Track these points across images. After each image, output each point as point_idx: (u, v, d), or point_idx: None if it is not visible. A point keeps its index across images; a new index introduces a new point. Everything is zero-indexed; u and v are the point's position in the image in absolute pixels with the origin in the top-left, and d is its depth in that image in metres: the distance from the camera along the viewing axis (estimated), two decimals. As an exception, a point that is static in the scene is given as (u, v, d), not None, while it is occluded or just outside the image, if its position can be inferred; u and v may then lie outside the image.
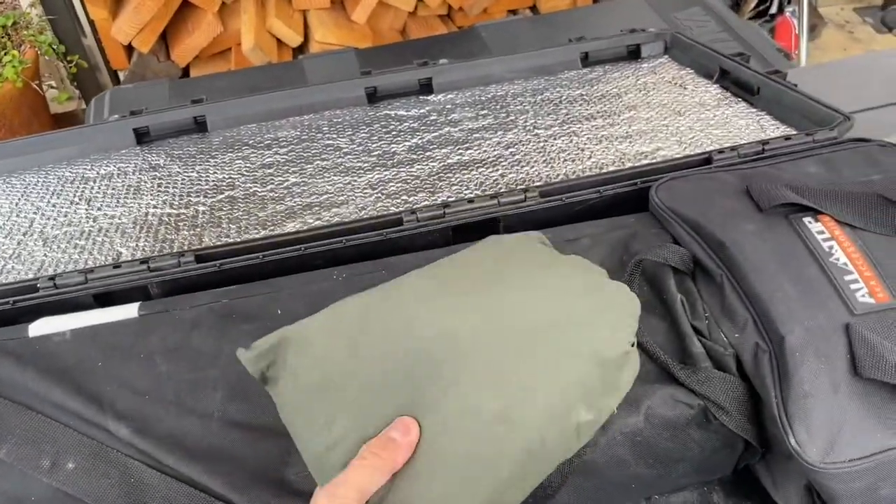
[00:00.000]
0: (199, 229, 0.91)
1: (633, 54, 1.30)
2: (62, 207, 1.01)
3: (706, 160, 0.84)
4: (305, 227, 0.87)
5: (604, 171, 0.92)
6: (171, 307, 0.70)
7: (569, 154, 0.99)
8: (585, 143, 1.01)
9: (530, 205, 0.80)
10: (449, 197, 0.92)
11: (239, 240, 0.81)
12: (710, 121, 1.03)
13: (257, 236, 0.87)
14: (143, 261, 0.75)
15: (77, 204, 1.02)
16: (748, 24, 1.54)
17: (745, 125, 1.00)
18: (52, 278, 0.75)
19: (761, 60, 1.40)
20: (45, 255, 0.90)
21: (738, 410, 0.63)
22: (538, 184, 0.86)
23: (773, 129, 0.98)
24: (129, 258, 0.85)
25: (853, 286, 0.63)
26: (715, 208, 0.71)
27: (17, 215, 1.00)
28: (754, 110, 1.04)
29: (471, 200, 0.80)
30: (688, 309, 0.68)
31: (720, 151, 0.84)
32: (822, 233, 0.67)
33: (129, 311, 0.69)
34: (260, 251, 0.76)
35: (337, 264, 0.76)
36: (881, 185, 0.71)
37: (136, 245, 0.89)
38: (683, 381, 0.64)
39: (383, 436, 0.49)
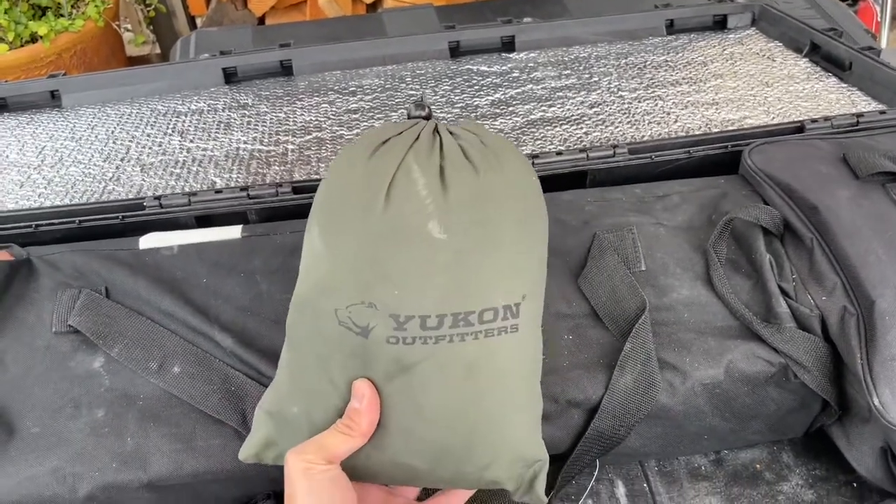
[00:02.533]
0: (289, 165, 0.94)
1: (720, 24, 1.28)
2: (156, 138, 1.05)
3: (799, 128, 0.84)
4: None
5: (693, 133, 0.92)
6: (271, 231, 0.73)
7: (654, 117, 0.99)
8: (671, 108, 1.01)
9: (619, 160, 0.81)
10: (533, 150, 0.93)
11: (318, 173, 0.84)
12: (799, 93, 1.02)
13: (315, 173, 0.89)
14: (244, 188, 0.79)
15: (170, 135, 1.05)
16: (836, 4, 1.50)
17: (835, 99, 0.99)
18: (157, 198, 0.78)
19: (849, 40, 1.37)
20: (142, 179, 0.94)
21: (819, 370, 0.64)
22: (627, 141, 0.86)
23: (864, 104, 0.97)
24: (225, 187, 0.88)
25: (948, 256, 0.63)
26: (809, 173, 0.71)
27: (114, 142, 1.05)
28: (845, 85, 1.03)
29: (559, 153, 0.82)
30: (776, 270, 0.69)
31: (813, 121, 0.84)
32: (919, 202, 0.67)
33: (233, 232, 0.73)
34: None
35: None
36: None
37: (230, 176, 0.93)
38: (766, 338, 0.65)
39: (349, 406, 0.50)
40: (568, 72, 1.15)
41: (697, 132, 0.93)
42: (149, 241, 0.72)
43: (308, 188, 0.79)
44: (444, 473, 0.52)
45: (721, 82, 1.07)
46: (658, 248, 0.71)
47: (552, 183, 0.81)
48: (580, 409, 0.64)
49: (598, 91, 1.08)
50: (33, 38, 2.13)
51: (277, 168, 0.94)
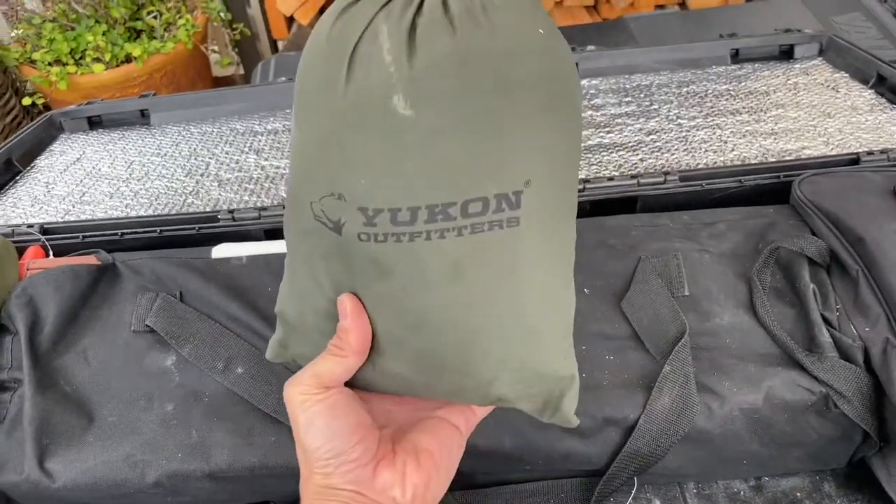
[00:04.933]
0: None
1: (786, 54, 1.28)
2: (234, 155, 1.12)
3: (854, 160, 0.84)
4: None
5: (747, 162, 0.93)
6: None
7: (711, 145, 1.01)
8: (729, 137, 1.02)
9: (669, 187, 0.83)
10: (588, 175, 0.96)
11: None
12: (861, 125, 1.02)
13: None
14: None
15: (247, 153, 1.13)
16: (912, 33, 1.48)
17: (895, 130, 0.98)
18: (231, 212, 0.85)
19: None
20: (219, 194, 1.01)
21: (859, 401, 0.64)
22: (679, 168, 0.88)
23: (930, 137, 0.96)
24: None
25: None
26: (857, 205, 0.72)
27: (196, 158, 1.12)
28: (913, 117, 1.02)
29: (611, 178, 0.84)
30: (819, 299, 0.69)
31: (869, 153, 0.84)
32: (970, 236, 0.67)
33: (297, 245, 0.78)
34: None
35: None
36: None
37: (298, 193, 0.98)
38: (808, 367, 0.66)
39: (339, 324, 0.46)
40: (628, 99, 1.18)
41: (753, 161, 0.94)
42: (220, 251, 0.78)
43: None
44: (443, 387, 0.47)
45: (782, 112, 1.08)
46: (702, 274, 0.73)
47: (603, 208, 0.84)
48: (618, 428, 0.66)
49: (657, 118, 1.10)
50: (128, 59, 2.28)
51: (343, 186, 0.99)
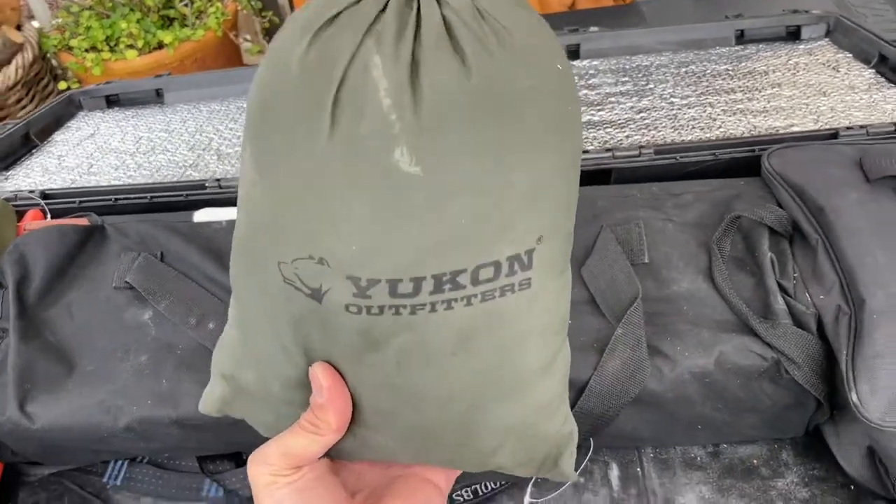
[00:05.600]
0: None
1: (793, 35, 1.27)
2: (237, 131, 1.16)
3: (832, 135, 0.84)
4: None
5: (722, 137, 0.93)
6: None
7: (699, 122, 1.01)
8: (718, 114, 1.02)
9: (643, 160, 0.84)
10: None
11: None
12: (855, 103, 1.00)
13: None
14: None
15: (249, 130, 1.16)
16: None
17: (891, 109, 0.97)
18: (217, 180, 0.88)
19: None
20: (217, 166, 1.05)
21: (809, 367, 0.65)
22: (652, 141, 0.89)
23: (923, 115, 0.95)
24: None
25: (950, 260, 0.62)
26: (822, 176, 0.72)
27: (201, 134, 1.17)
28: (910, 96, 1.00)
29: (585, 151, 0.85)
30: (777, 268, 0.70)
31: (848, 128, 0.84)
32: (929, 206, 0.66)
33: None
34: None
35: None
36: None
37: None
38: (760, 333, 0.66)
39: (312, 398, 0.41)
40: (626, 79, 1.18)
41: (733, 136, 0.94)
42: (201, 215, 0.82)
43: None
44: (435, 457, 0.44)
45: (777, 91, 1.07)
46: (664, 242, 0.74)
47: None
48: (571, 389, 0.68)
49: (651, 97, 1.10)
50: (160, 46, 2.35)
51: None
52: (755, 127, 0.98)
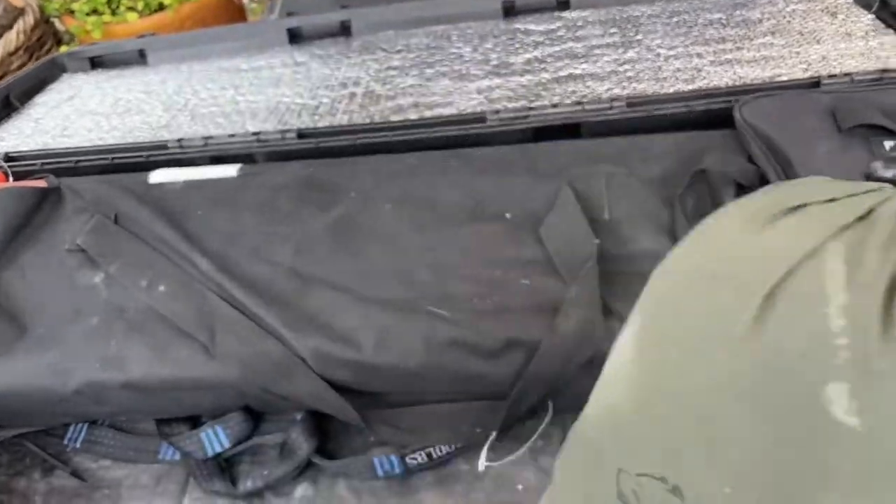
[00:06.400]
0: (316, 117, 1.00)
1: (795, -19, 1.21)
2: (214, 91, 1.14)
3: (815, 84, 0.79)
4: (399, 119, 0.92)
5: (694, 89, 0.89)
6: (263, 171, 0.79)
7: (684, 74, 0.96)
8: (705, 65, 0.98)
9: (615, 113, 0.81)
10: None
11: (334, 126, 0.88)
12: (849, 51, 0.95)
13: (356, 122, 0.94)
14: (255, 133, 0.85)
15: (227, 90, 1.14)
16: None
17: (885, 56, 0.92)
18: (179, 140, 0.87)
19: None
20: (189, 127, 1.03)
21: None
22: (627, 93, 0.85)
23: (919, 61, 0.90)
24: (252, 134, 0.95)
25: (921, 214, 0.59)
26: (793, 126, 0.68)
27: (178, 95, 1.15)
28: (908, 41, 0.95)
29: (554, 105, 0.82)
30: (742, 223, 0.66)
31: (831, 76, 0.79)
32: (902, 156, 0.62)
33: (230, 170, 0.79)
34: (354, 133, 0.83)
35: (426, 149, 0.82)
36: None
37: (262, 126, 0.99)
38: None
39: None
40: (614, 30, 1.13)
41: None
42: (157, 176, 0.80)
43: (313, 134, 0.84)
44: None
45: (769, 40, 1.02)
46: (627, 198, 0.71)
47: (546, 135, 0.82)
48: (523, 350, 0.66)
49: (637, 49, 1.06)
50: (161, 7, 2.33)
51: (306, 118, 1.00)
52: (741, 78, 0.93)
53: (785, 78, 0.91)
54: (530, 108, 0.82)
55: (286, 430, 0.71)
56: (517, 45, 1.13)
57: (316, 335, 0.67)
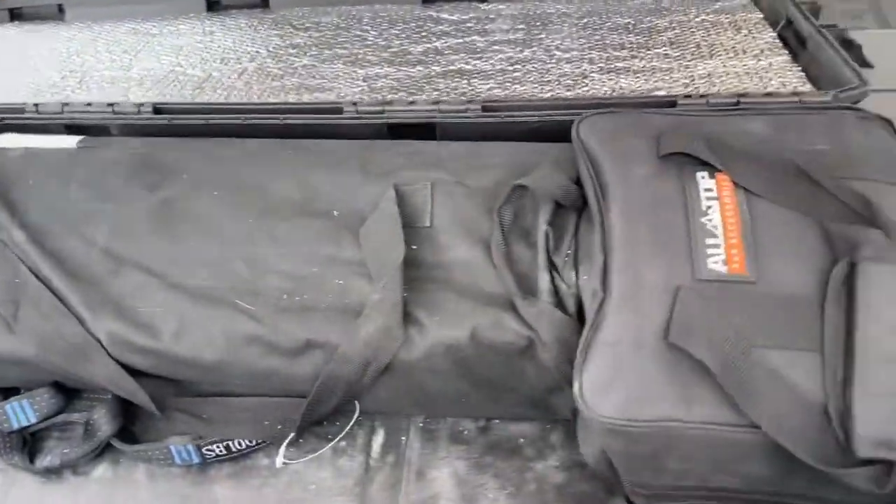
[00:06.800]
0: (197, 90, 0.98)
1: (721, -10, 1.18)
2: (115, 55, 1.12)
3: (671, 103, 0.78)
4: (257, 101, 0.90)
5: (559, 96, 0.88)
6: (103, 145, 0.78)
7: (569, 79, 0.95)
8: (593, 72, 0.96)
9: (470, 116, 0.79)
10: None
11: (195, 101, 0.87)
12: (738, 68, 0.94)
13: (216, 100, 0.92)
14: (111, 104, 0.84)
15: (128, 54, 1.12)
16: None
17: (769, 78, 0.90)
18: (36, 105, 0.85)
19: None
20: (72, 91, 1.01)
21: (559, 349, 0.61)
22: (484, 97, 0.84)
23: (799, 85, 0.88)
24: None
25: (710, 251, 0.58)
26: (619, 148, 0.66)
27: (78, 56, 1.13)
28: (795, 65, 0.93)
29: (411, 102, 0.81)
30: (552, 243, 0.66)
31: (687, 96, 0.78)
32: (709, 190, 0.61)
33: (71, 141, 0.78)
34: (208, 113, 0.82)
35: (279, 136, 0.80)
36: (812, 156, 0.63)
37: (143, 95, 0.98)
38: (520, 310, 0.63)
39: None
40: (521, 26, 1.11)
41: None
42: (2, 140, 0.79)
43: (169, 110, 0.83)
44: None
45: (665, 50, 1.00)
46: (450, 206, 0.70)
47: (400, 133, 0.81)
48: (323, 351, 0.65)
49: (534, 48, 1.04)
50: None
51: (189, 91, 0.98)
52: (621, 88, 0.92)
53: (662, 92, 0.90)
54: (386, 104, 0.80)
55: (91, 410, 0.71)
56: (423, 34, 1.11)
57: (115, 319, 0.66)
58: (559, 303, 0.64)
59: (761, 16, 1.08)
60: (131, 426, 0.72)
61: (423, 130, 0.81)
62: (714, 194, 0.61)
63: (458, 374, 0.65)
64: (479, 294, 0.65)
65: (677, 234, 0.59)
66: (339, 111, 0.81)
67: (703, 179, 0.62)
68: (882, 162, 0.63)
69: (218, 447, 0.68)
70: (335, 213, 0.71)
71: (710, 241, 0.58)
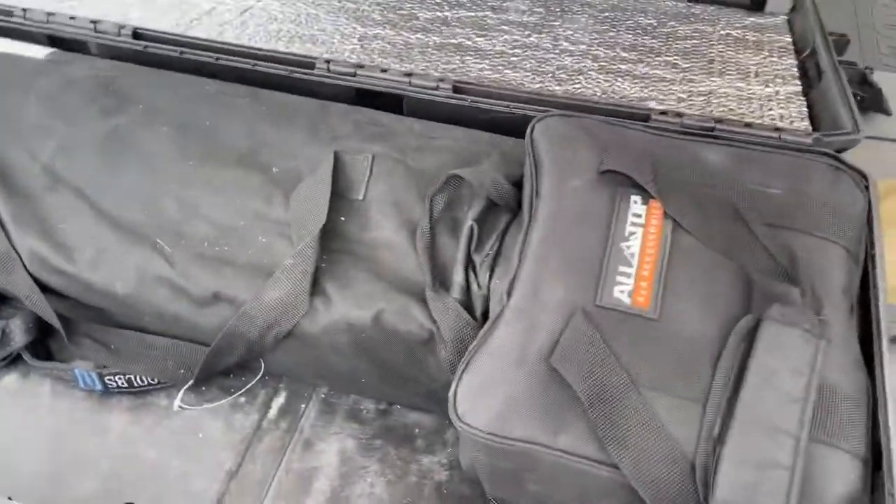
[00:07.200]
0: (195, 21, 0.97)
1: (757, 5, 1.13)
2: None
3: (644, 117, 0.74)
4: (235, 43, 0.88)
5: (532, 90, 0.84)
6: (70, 61, 0.78)
7: (564, 73, 0.91)
8: (588, 70, 0.93)
9: (439, 95, 0.77)
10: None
11: (173, 32, 0.85)
12: (742, 91, 0.89)
13: (210, 34, 0.91)
14: (94, 21, 0.84)
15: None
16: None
17: (770, 107, 0.86)
18: (24, 10, 0.85)
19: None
20: (79, 1, 1.01)
21: (455, 347, 0.60)
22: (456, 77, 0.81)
23: (798, 121, 0.84)
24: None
25: (619, 279, 0.56)
26: (564, 155, 0.64)
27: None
28: (802, 99, 0.88)
29: (384, 70, 0.79)
30: (475, 240, 0.64)
31: (662, 112, 0.74)
32: (637, 216, 0.59)
33: (40, 52, 0.79)
34: (183, 46, 0.81)
35: (249, 84, 0.79)
36: (761, 198, 0.60)
37: (140, 17, 0.96)
38: (428, 302, 0.62)
39: None
40: (540, 9, 1.08)
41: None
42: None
43: (147, 37, 0.83)
44: None
45: (675, 59, 0.96)
46: (388, 184, 0.68)
47: (369, 101, 0.79)
48: (230, 306, 0.65)
49: (543, 35, 1.00)
50: None
51: (186, 21, 0.97)
52: (613, 92, 0.88)
53: (653, 104, 0.86)
54: (359, 67, 0.78)
55: (11, 319, 0.72)
56: (440, 2, 1.08)
57: (38, 237, 0.67)
58: (468, 302, 0.62)
59: (790, 40, 1.03)
60: (49, 342, 0.73)
61: (391, 102, 0.79)
62: (641, 221, 0.58)
63: (358, 353, 0.64)
64: (394, 278, 0.64)
65: (591, 256, 0.57)
66: (311, 66, 0.79)
67: (635, 204, 0.59)
68: (830, 217, 0.59)
69: (120, 379, 0.69)
70: (275, 169, 0.70)
71: (622, 268, 0.56)
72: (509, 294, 0.57)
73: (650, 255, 0.56)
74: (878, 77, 1.09)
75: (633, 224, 0.58)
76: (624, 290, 0.55)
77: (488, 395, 0.53)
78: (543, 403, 0.52)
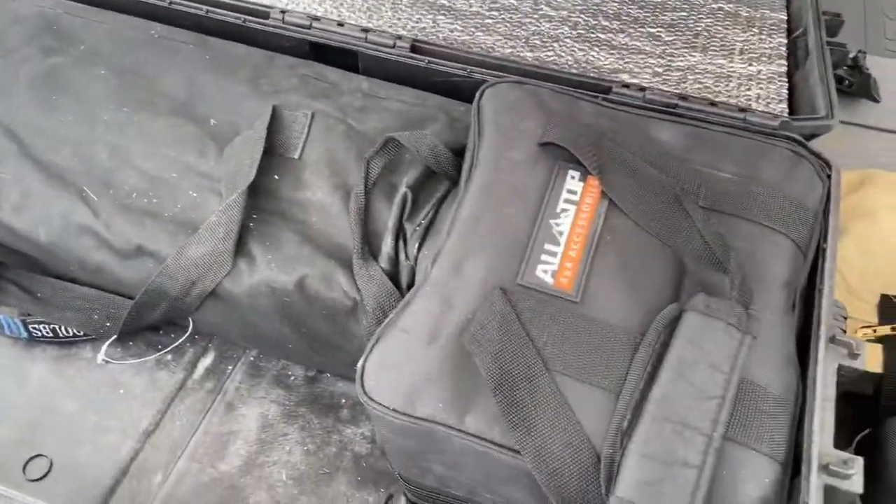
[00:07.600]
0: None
1: (756, -22, 1.07)
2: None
3: (605, 89, 0.71)
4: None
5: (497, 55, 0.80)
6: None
7: (536, 40, 0.87)
8: (565, 37, 0.88)
9: (395, 54, 0.74)
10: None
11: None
12: (723, 69, 0.85)
13: None
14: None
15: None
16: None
17: (748, 86, 0.82)
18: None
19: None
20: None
21: (375, 317, 0.58)
22: (411, 36, 0.77)
23: (772, 103, 0.79)
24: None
25: (545, 257, 0.53)
26: (508, 125, 0.60)
27: None
28: (784, 80, 0.84)
29: (341, 24, 0.75)
30: (408, 208, 0.61)
31: (625, 85, 0.71)
32: (572, 192, 0.55)
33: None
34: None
35: (202, 32, 0.76)
36: (709, 182, 0.56)
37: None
38: (354, 269, 0.59)
39: None
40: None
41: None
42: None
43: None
44: None
45: (658, 31, 0.91)
46: (325, 143, 0.65)
47: (323, 56, 0.76)
48: (154, 261, 0.63)
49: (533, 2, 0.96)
50: None
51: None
52: (587, 62, 0.84)
53: (627, 77, 0.82)
54: (315, 19, 0.75)
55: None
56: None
57: (29, 167, 0.65)
58: (395, 272, 0.60)
59: (784, 17, 0.98)
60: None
61: (348, 59, 0.76)
62: (576, 198, 0.55)
63: (281, 318, 0.62)
64: (324, 242, 0.61)
65: (519, 231, 0.54)
66: (266, 16, 0.76)
67: (572, 180, 0.56)
68: (777, 205, 0.55)
69: (45, 328, 0.67)
70: (213, 121, 0.67)
71: (549, 246, 0.53)
72: (431, 265, 0.55)
73: (580, 234, 0.53)
74: (880, 63, 1.04)
75: (567, 201, 0.55)
76: (548, 269, 0.52)
77: (397, 371, 0.51)
78: (453, 383, 0.49)
